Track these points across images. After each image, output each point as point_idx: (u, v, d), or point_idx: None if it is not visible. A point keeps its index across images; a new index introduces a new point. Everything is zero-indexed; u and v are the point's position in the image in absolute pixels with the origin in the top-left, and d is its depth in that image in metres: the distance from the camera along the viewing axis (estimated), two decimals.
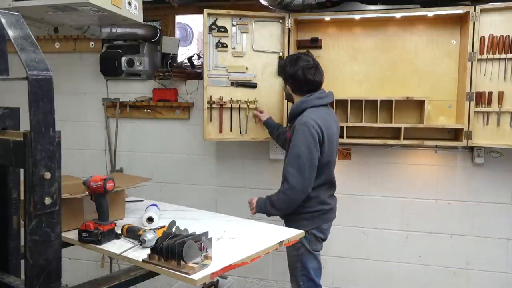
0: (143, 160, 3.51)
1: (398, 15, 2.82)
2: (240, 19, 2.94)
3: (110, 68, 3.37)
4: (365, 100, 2.83)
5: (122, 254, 1.69)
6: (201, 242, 1.60)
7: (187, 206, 2.52)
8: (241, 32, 2.96)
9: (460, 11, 2.71)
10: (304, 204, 2.34)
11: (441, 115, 2.91)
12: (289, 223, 2.38)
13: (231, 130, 3.01)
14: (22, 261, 1.11)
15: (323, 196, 2.40)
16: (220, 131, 3.00)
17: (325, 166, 2.35)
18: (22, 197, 1.13)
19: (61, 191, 1.05)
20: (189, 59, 3.43)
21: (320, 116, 2.30)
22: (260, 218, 2.42)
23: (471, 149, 2.94)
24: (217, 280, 3.06)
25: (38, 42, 1.05)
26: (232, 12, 2.93)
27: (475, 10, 2.65)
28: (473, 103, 2.69)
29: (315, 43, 3.01)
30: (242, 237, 1.94)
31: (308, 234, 2.31)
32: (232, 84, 2.98)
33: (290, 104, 2.95)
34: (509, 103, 2.70)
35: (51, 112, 1.01)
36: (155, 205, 2.22)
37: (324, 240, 2.45)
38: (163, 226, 1.87)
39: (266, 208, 2.37)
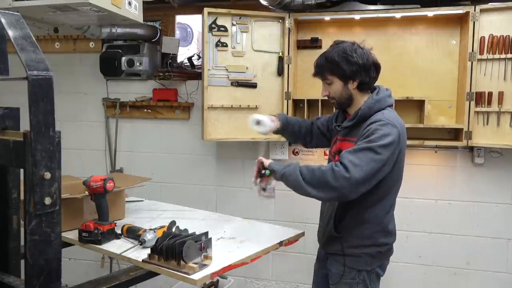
0: (143, 160, 3.51)
1: (398, 15, 2.82)
2: (240, 18, 2.94)
3: (110, 68, 3.37)
4: None
5: (122, 254, 1.70)
6: (201, 242, 1.60)
7: (187, 206, 2.52)
8: (241, 32, 2.96)
9: (460, 11, 2.71)
10: (372, 236, 1.86)
11: (441, 115, 2.91)
12: (346, 256, 1.86)
13: (231, 130, 3.01)
14: (22, 261, 1.11)
15: (392, 226, 1.94)
16: (220, 131, 3.00)
17: (397, 184, 1.88)
18: (22, 197, 1.13)
19: (61, 191, 1.05)
20: (189, 59, 3.43)
21: (399, 120, 1.82)
22: (260, 218, 2.41)
23: (471, 149, 2.94)
24: (217, 280, 3.06)
25: (38, 42, 1.05)
26: (232, 11, 2.93)
27: (475, 10, 2.65)
28: (473, 103, 2.69)
29: (315, 43, 3.01)
30: (242, 237, 1.95)
31: (371, 273, 1.87)
32: (232, 84, 2.98)
33: (290, 104, 2.98)
34: (509, 103, 2.70)
35: (51, 112, 1.01)
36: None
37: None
38: (163, 226, 1.87)
39: (289, 166, 1.74)
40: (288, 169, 1.72)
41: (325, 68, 1.85)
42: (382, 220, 1.86)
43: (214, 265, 1.59)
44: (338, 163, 1.67)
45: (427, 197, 3.06)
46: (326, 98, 1.92)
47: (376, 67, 1.85)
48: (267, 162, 1.80)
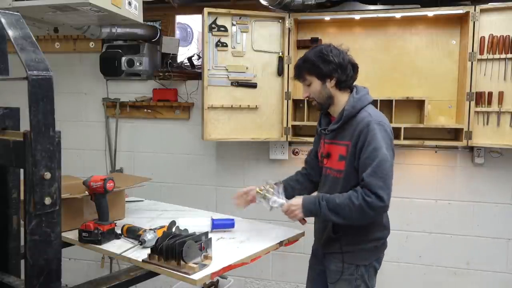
0: (143, 160, 3.51)
1: (398, 15, 2.82)
2: (240, 18, 2.94)
3: (110, 68, 3.37)
4: None
5: (122, 254, 1.70)
6: (201, 242, 1.60)
7: (187, 206, 2.52)
8: (241, 32, 2.95)
9: (460, 11, 2.71)
10: (368, 231, 1.89)
11: (441, 115, 2.90)
12: (345, 253, 1.89)
13: (231, 130, 3.01)
14: (22, 261, 1.11)
15: (386, 220, 1.95)
16: (220, 131, 3.00)
17: None
18: (22, 197, 1.13)
19: (61, 191, 1.05)
20: (189, 59, 3.43)
21: (383, 116, 1.90)
22: (261, 218, 2.41)
23: (471, 149, 2.94)
24: (217, 280, 3.06)
25: (38, 42, 1.05)
26: (232, 11, 2.93)
27: (475, 10, 2.65)
28: (473, 103, 2.69)
29: (315, 43, 3.00)
30: (242, 237, 1.95)
31: (369, 267, 1.90)
32: (232, 84, 2.98)
33: (290, 104, 2.97)
34: (509, 103, 2.69)
35: (51, 112, 1.01)
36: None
37: None
38: (163, 226, 1.87)
39: (320, 213, 1.80)
40: (323, 213, 1.79)
41: (303, 68, 1.91)
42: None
43: (214, 265, 1.59)
44: (367, 191, 1.72)
45: (427, 197, 3.06)
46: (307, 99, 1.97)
47: (353, 66, 1.89)
48: (300, 212, 1.84)
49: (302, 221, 1.91)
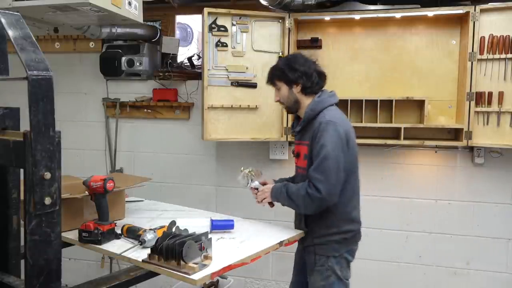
0: (143, 160, 3.51)
1: (398, 15, 2.83)
2: (240, 18, 2.94)
3: (110, 68, 3.37)
4: (365, 100, 2.83)
5: (122, 254, 1.70)
6: (201, 242, 1.60)
7: (187, 206, 2.52)
8: (241, 32, 2.95)
9: (460, 11, 2.71)
10: (336, 224, 2.03)
11: (441, 115, 2.91)
12: (316, 246, 2.07)
13: (231, 130, 3.01)
14: (22, 261, 1.11)
15: (355, 214, 2.10)
16: (220, 131, 3.00)
17: (353, 175, 2.06)
18: (22, 197, 1.13)
19: (61, 191, 1.05)
20: (189, 59, 3.43)
21: (341, 116, 2.07)
22: (261, 218, 2.41)
23: (471, 149, 2.94)
24: (217, 280, 3.06)
25: (38, 42, 1.05)
26: (232, 11, 2.93)
27: (475, 10, 2.65)
28: (473, 103, 2.69)
29: (315, 43, 3.01)
30: (242, 237, 1.95)
31: (339, 258, 2.04)
32: (232, 84, 2.97)
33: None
34: (509, 103, 2.70)
35: (51, 112, 1.01)
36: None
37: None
38: (163, 226, 1.87)
39: (281, 198, 2.05)
40: (283, 199, 2.05)
41: (273, 75, 2.16)
42: (344, 209, 2.04)
43: (214, 265, 1.59)
44: (310, 184, 1.94)
45: (427, 197, 3.06)
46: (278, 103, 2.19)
47: (320, 74, 2.09)
48: (269, 195, 2.10)
49: (270, 204, 2.15)
